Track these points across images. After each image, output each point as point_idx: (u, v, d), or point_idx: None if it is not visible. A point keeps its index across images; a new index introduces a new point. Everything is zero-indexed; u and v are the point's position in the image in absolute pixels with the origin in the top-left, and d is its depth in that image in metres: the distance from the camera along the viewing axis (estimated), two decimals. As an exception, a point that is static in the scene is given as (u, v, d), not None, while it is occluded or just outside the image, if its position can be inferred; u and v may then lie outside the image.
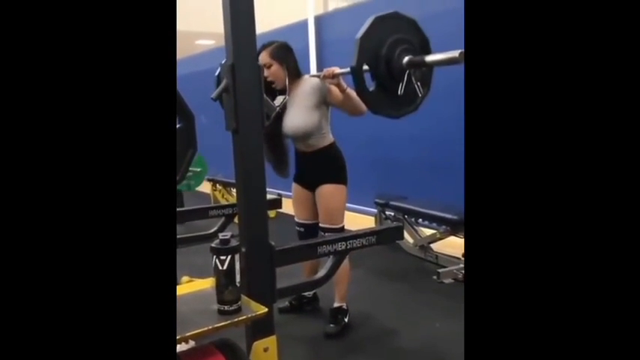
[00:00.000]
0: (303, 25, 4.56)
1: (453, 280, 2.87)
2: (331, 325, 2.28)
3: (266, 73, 2.04)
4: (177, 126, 1.78)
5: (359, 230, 1.98)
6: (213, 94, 1.39)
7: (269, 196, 2.09)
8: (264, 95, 1.48)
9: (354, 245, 1.74)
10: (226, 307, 1.19)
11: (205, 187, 5.02)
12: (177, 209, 2.66)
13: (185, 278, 2.55)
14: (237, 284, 1.20)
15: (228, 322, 1.15)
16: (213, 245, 1.19)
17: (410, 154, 3.74)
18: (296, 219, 2.36)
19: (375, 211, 3.68)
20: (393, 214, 3.50)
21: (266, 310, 1.20)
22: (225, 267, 1.18)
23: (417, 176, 3.67)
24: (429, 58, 1.53)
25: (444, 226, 3.05)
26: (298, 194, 2.32)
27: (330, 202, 2.18)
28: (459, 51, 1.41)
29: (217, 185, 5.09)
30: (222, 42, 1.43)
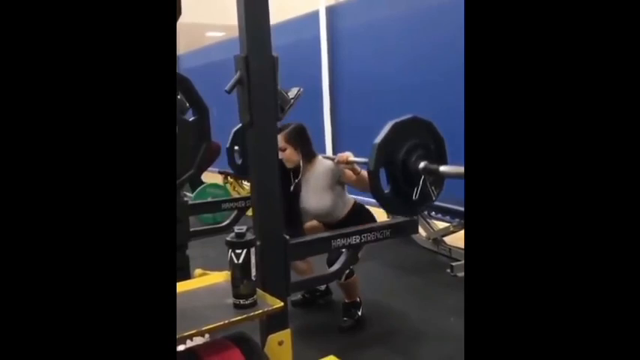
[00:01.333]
0: (315, 15, 4.53)
1: (466, 274, 2.85)
2: (345, 319, 2.28)
3: (280, 155, 2.10)
4: (191, 119, 1.77)
5: (373, 223, 1.96)
6: (227, 87, 1.38)
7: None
8: (279, 87, 1.47)
9: (369, 238, 1.73)
10: (242, 301, 1.18)
11: (217, 179, 5.03)
12: (191, 202, 2.66)
13: (198, 271, 2.56)
14: (253, 278, 1.19)
15: (245, 316, 1.15)
16: (228, 239, 1.18)
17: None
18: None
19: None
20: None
21: (282, 304, 1.20)
22: (240, 260, 1.17)
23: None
24: (443, 169, 1.59)
25: (457, 219, 3.02)
26: (317, 226, 2.33)
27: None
28: None
29: (229, 178, 5.10)
30: (232, 34, 1.42)
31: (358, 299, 2.32)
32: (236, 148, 2.68)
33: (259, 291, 1.24)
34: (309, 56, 4.58)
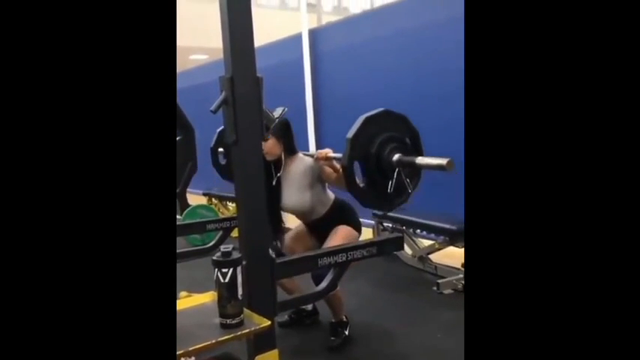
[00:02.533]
0: (298, 38, 4.60)
1: (452, 291, 2.86)
2: (332, 339, 2.26)
3: (262, 145, 2.08)
4: (177, 138, 1.78)
5: (359, 241, 1.97)
6: (213, 107, 1.39)
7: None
8: (264, 107, 1.48)
9: (355, 256, 1.73)
10: (229, 321, 1.17)
11: (201, 201, 4.99)
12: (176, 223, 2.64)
13: (183, 293, 2.52)
14: (240, 297, 1.19)
15: (231, 335, 1.14)
16: (214, 258, 1.17)
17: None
18: (284, 250, 2.29)
19: (372, 222, 3.67)
20: (391, 225, 3.49)
21: (269, 323, 1.19)
22: (227, 280, 1.16)
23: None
24: (418, 160, 1.58)
25: (442, 237, 3.05)
26: (301, 232, 2.33)
27: (340, 236, 2.15)
28: (447, 159, 1.48)
29: (213, 199, 5.07)
30: (215, 56, 1.44)
31: (345, 318, 2.31)
32: (220, 150, 2.68)
33: (246, 310, 1.23)
34: (293, 77, 4.64)
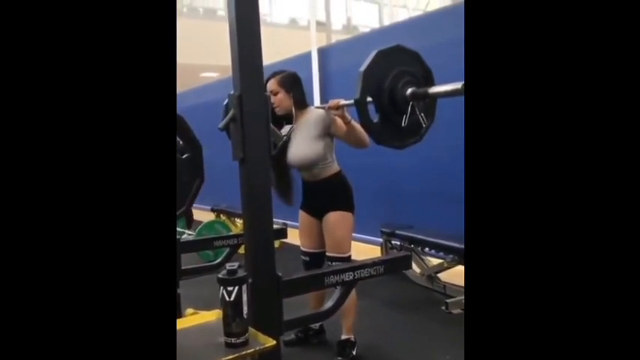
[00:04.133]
0: (307, 56, 4.64)
1: (461, 311, 2.81)
2: (339, 358, 2.23)
3: (272, 99, 2.07)
4: (185, 156, 1.79)
5: (367, 260, 1.95)
6: (221, 124, 1.40)
7: (274, 226, 2.08)
8: (271, 125, 1.49)
9: (362, 275, 1.71)
10: (233, 340, 1.16)
11: (208, 217, 5.00)
12: (183, 240, 2.64)
13: (189, 310, 2.51)
14: (245, 316, 1.17)
15: (236, 355, 1.12)
16: (220, 276, 1.16)
17: (416, 183, 3.73)
18: (302, 248, 2.34)
19: (380, 240, 3.65)
20: (399, 243, 3.46)
21: (274, 342, 1.17)
22: (232, 298, 1.15)
23: (423, 205, 3.65)
24: (432, 89, 1.55)
25: (451, 255, 3.01)
26: (305, 222, 2.31)
27: (337, 230, 2.16)
28: (462, 83, 1.43)
29: (221, 215, 5.08)
30: (225, 74, 1.45)
31: (353, 338, 2.28)
32: None
33: (251, 329, 1.22)
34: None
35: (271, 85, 2.10)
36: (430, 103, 1.67)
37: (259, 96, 1.43)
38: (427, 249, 3.25)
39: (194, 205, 5.18)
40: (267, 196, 1.48)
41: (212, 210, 5.10)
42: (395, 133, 1.62)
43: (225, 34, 1.44)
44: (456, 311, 2.81)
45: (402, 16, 11.64)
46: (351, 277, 1.70)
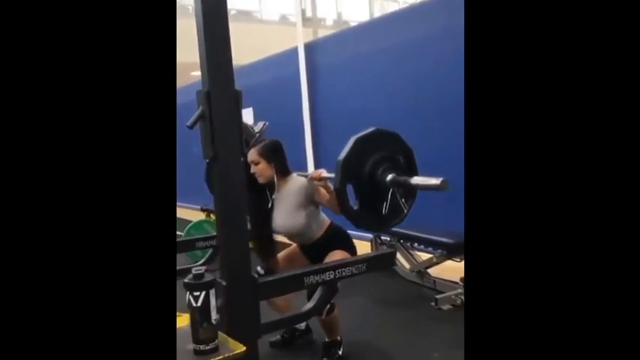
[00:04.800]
0: (294, 52, 4.59)
1: (451, 306, 2.78)
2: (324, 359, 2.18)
3: (253, 169, 2.07)
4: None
5: (348, 258, 1.91)
6: (189, 122, 1.35)
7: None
8: (244, 122, 1.44)
9: (344, 274, 1.67)
10: (202, 347, 1.11)
11: (198, 216, 4.95)
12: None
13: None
14: (214, 321, 1.13)
15: (204, 363, 1.08)
16: (186, 281, 1.12)
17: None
18: (260, 267, 2.19)
19: (370, 236, 3.60)
20: (388, 239, 3.42)
21: (244, 348, 1.13)
22: (199, 303, 1.11)
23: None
24: (413, 180, 1.52)
25: (440, 250, 2.97)
26: (295, 252, 2.25)
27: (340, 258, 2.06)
28: (441, 179, 1.45)
29: (211, 215, 5.02)
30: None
31: (339, 338, 2.23)
32: None
33: (222, 335, 1.17)
34: (291, 91, 4.62)
35: (251, 155, 2.08)
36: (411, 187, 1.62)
37: (228, 92, 1.38)
38: (416, 244, 3.21)
39: (185, 204, 5.09)
40: (241, 195, 1.44)
41: (202, 209, 5.05)
42: (375, 219, 1.60)
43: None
44: (446, 307, 2.78)
45: (392, 9, 11.56)
46: (332, 277, 1.65)
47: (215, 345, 1.13)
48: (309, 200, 2.07)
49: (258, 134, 1.52)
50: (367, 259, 1.76)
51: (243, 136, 1.42)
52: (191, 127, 1.35)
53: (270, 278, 1.55)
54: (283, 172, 2.12)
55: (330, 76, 4.36)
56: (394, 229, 3.28)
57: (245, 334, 1.38)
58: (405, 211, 1.61)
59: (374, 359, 2.28)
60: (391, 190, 1.55)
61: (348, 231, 2.17)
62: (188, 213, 5.31)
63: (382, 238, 3.50)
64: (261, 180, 2.10)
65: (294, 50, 4.59)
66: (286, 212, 2.10)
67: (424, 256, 3.25)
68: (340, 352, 2.21)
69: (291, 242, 2.28)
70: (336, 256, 2.07)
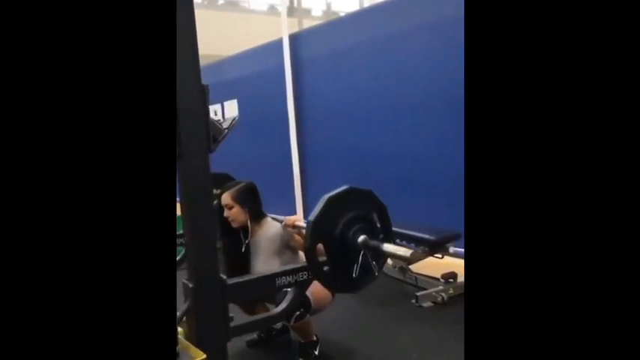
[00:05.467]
0: (279, 43, 4.51)
1: (432, 304, 2.76)
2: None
3: (227, 213, 2.05)
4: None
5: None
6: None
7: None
8: (211, 118, 1.38)
9: (318, 274, 1.63)
10: (161, 355, 1.06)
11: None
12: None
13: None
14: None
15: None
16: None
17: (387, 173, 3.65)
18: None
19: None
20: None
21: (204, 356, 1.08)
22: (157, 310, 1.05)
23: (394, 195, 3.57)
24: (385, 248, 1.47)
25: (422, 247, 2.95)
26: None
27: (319, 293, 2.02)
28: (411, 251, 1.46)
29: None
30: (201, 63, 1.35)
31: (315, 338, 2.20)
32: None
33: (183, 341, 1.13)
34: (275, 83, 4.55)
35: (225, 199, 2.05)
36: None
37: (195, 87, 1.32)
38: (398, 240, 3.18)
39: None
40: (207, 192, 1.38)
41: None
42: (346, 280, 1.54)
43: (202, 23, 1.34)
44: (427, 304, 2.76)
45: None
46: (305, 277, 1.61)
47: (176, 352, 1.09)
48: (285, 246, 2.06)
49: (226, 130, 1.46)
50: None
51: (211, 133, 1.36)
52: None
53: (240, 279, 1.50)
54: (257, 216, 2.10)
55: (315, 68, 4.29)
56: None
57: (214, 338, 1.33)
58: (376, 273, 1.57)
59: (352, 359, 2.24)
60: (362, 252, 1.50)
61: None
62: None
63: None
64: (234, 224, 2.08)
65: (279, 41, 4.51)
66: (263, 259, 2.07)
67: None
68: (316, 352, 2.17)
69: None
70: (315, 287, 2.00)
